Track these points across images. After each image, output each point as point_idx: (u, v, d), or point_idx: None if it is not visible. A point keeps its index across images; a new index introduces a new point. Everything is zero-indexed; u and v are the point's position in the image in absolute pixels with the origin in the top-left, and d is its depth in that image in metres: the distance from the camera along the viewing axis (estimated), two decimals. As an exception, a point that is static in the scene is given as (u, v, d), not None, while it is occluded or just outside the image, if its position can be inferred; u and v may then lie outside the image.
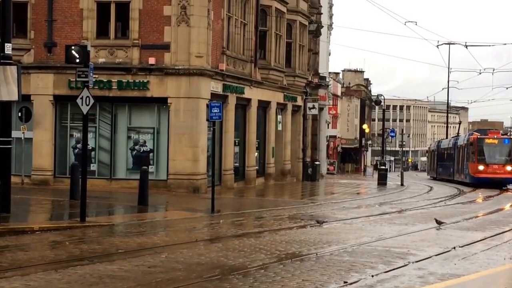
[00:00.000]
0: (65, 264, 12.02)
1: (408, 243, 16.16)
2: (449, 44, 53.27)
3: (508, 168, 47.90)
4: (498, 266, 13.23)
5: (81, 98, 17.85)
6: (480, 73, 56.35)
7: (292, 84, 41.55)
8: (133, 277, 10.98)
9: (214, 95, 30.41)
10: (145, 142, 30.31)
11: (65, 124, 30.73)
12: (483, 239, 17.57)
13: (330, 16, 67.99)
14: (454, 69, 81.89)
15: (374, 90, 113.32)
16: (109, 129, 30.37)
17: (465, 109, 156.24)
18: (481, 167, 47.66)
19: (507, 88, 63.34)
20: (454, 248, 15.52)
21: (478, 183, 47.02)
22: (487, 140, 48.75)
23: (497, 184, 46.22)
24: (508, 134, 52.23)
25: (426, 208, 27.81)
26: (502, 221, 22.90)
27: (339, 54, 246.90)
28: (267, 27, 37.52)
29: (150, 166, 29.10)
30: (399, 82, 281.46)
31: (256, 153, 37.42)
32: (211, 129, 25.14)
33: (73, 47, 17.82)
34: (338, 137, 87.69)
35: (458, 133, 64.12)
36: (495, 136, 49.38)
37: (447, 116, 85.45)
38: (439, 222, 19.97)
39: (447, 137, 74.03)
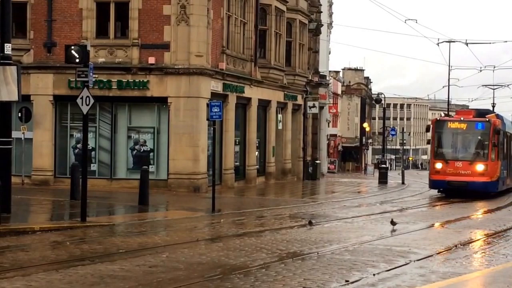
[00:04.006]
0: (66, 264, 12.00)
1: (409, 241, 16.14)
2: (449, 42, 52.96)
3: (479, 167, 31.71)
4: (500, 264, 13.21)
5: (81, 98, 17.83)
6: (480, 71, 56.03)
7: (292, 83, 41.51)
8: (134, 277, 10.96)
9: (214, 94, 30.39)
10: (145, 141, 30.29)
11: (65, 124, 30.71)
12: (485, 237, 17.55)
13: (330, 15, 67.93)
14: (455, 66, 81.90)
15: (375, 89, 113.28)
16: (109, 129, 30.35)
17: (465, 107, 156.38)
18: (438, 165, 32.28)
19: (507, 85, 63.02)
20: (456, 246, 15.51)
21: (435, 188, 34.19)
22: (450, 124, 32.95)
23: (460, 192, 31.94)
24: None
25: (427, 207, 27.77)
26: (503, 219, 22.87)
27: (339, 53, 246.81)
28: (267, 26, 37.48)
29: (150, 166, 29.04)
30: (399, 80, 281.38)
31: (257, 152, 37.39)
32: (211, 128, 25.13)
33: (72, 47, 17.81)
34: (339, 136, 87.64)
35: None
36: (463, 118, 33.00)
37: (448, 115, 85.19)
38: (393, 223, 19.01)
39: None
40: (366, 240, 16.15)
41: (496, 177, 32.51)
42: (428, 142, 34.80)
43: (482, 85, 57.54)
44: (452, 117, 35.56)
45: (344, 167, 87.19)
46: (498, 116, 35.70)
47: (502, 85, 57.85)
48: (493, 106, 60.74)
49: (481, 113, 34.48)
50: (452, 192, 32.35)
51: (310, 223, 19.34)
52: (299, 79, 42.19)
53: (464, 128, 32.50)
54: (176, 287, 10.37)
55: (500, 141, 33.39)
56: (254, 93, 36.00)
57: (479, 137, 32.57)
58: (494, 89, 58.62)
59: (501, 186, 34.05)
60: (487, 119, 32.70)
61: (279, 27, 38.69)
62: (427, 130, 34.96)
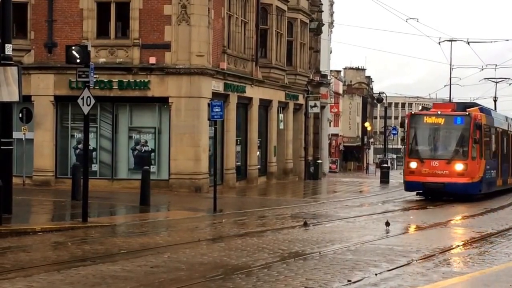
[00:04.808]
0: (67, 264, 11.97)
1: (411, 241, 16.11)
2: (451, 41, 52.80)
3: (457, 166, 28.63)
4: (503, 263, 13.17)
5: (82, 98, 17.80)
6: (482, 69, 55.85)
7: (294, 82, 41.47)
8: (136, 277, 10.93)
9: (215, 94, 30.36)
10: (146, 142, 30.26)
11: (66, 124, 30.69)
12: (487, 237, 17.50)
13: (331, 14, 67.85)
14: (457, 65, 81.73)
15: (376, 88, 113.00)
16: (110, 129, 30.32)
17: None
18: (413, 165, 29.16)
19: (510, 84, 62.81)
20: (458, 246, 15.47)
21: (410, 190, 30.85)
22: (426, 119, 29.72)
23: (437, 194, 29.57)
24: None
25: (429, 206, 27.69)
26: (505, 218, 22.81)
27: (340, 52, 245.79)
28: (268, 26, 37.45)
29: (151, 166, 29.02)
30: (401, 79, 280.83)
31: (258, 152, 37.36)
32: (213, 128, 25.11)
33: (73, 47, 17.78)
34: (340, 135, 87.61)
35: None
36: (440, 112, 29.73)
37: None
38: (388, 224, 18.56)
39: None
40: (368, 239, 16.11)
41: (478, 178, 29.31)
42: (402, 139, 32.27)
43: (484, 78, 56.63)
44: (429, 110, 31.66)
45: (345, 167, 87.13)
46: (482, 109, 31.99)
47: (505, 78, 57.09)
48: (495, 101, 59.75)
49: (464, 106, 31.15)
50: (429, 194, 29.94)
51: (305, 224, 18.90)
52: (300, 78, 42.15)
53: (442, 123, 29.35)
54: (177, 287, 10.33)
55: (484, 137, 30.15)
56: (255, 93, 35.96)
57: (458, 133, 29.24)
58: (496, 82, 57.73)
59: (487, 187, 30.70)
60: (467, 113, 29.33)
61: (280, 26, 38.65)
62: (401, 125, 32.34)
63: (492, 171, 31.52)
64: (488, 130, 31.23)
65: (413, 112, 31.98)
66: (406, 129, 30.44)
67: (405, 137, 30.59)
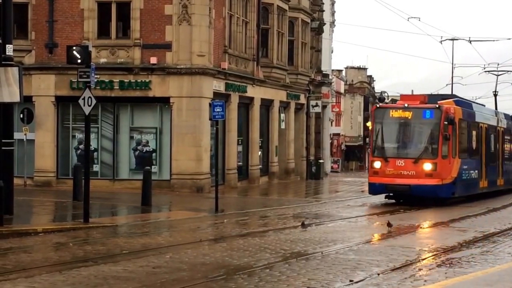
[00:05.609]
0: (69, 265, 11.95)
1: (414, 240, 16.08)
2: (452, 39, 52.65)
3: (425, 166, 25.53)
4: (506, 262, 13.13)
5: (83, 99, 17.77)
6: (484, 68, 55.64)
7: (295, 82, 41.45)
8: (138, 278, 10.91)
9: (216, 94, 30.34)
10: (147, 142, 30.24)
11: (67, 125, 30.68)
12: (489, 236, 17.45)
13: (332, 13, 67.75)
14: (458, 64, 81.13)
15: (378, 87, 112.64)
16: (111, 130, 30.31)
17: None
18: (376, 164, 26.24)
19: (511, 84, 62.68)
20: (461, 245, 15.42)
21: (374, 194, 27.72)
22: (392, 113, 26.57)
23: (404, 197, 26.91)
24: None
25: (432, 206, 27.63)
26: (508, 217, 22.78)
27: (341, 51, 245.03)
28: (269, 25, 37.42)
29: (153, 166, 29.01)
30: (402, 78, 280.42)
31: (260, 152, 37.34)
32: (214, 128, 25.09)
33: (74, 48, 17.76)
34: (342, 135, 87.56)
35: None
36: (407, 105, 26.37)
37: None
38: (390, 225, 17.88)
39: None
40: (370, 239, 16.06)
41: (450, 179, 26.20)
42: (367, 136, 30.20)
43: (485, 71, 55.86)
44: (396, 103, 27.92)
45: (347, 166, 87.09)
46: (458, 102, 28.61)
47: (507, 71, 56.57)
48: (496, 95, 59.25)
49: (439, 98, 28.11)
50: (399, 198, 27.15)
51: (303, 224, 18.47)
52: (301, 78, 42.13)
53: (409, 117, 26.12)
54: (179, 287, 10.32)
55: (460, 133, 27.07)
56: (256, 93, 35.94)
57: (427, 129, 26.14)
58: (497, 75, 57.27)
59: (463, 190, 27.66)
60: (437, 106, 25.99)
61: (281, 26, 38.63)
62: (368, 120, 28.20)
63: (471, 171, 28.52)
64: (465, 126, 28.13)
65: (378, 105, 28.81)
66: (371, 124, 27.61)
67: (370, 133, 27.66)
